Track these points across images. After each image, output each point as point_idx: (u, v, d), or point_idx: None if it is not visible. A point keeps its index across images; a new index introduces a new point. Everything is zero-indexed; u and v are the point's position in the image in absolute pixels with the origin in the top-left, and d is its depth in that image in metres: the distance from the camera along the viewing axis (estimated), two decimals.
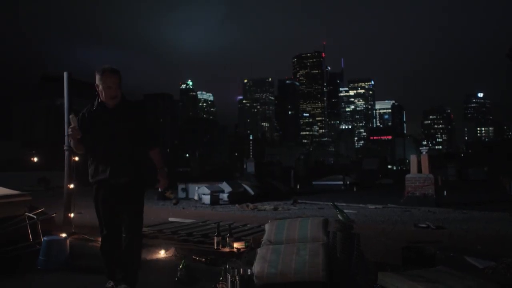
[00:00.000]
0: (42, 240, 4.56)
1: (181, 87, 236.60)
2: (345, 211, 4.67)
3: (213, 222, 7.22)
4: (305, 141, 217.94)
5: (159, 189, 3.26)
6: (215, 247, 5.15)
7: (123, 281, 3.30)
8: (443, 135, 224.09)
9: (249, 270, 3.40)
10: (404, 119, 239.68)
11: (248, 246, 4.93)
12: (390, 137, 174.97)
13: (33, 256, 4.48)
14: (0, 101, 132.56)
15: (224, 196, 13.77)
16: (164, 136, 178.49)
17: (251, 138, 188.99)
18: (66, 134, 7.19)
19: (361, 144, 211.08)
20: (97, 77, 3.15)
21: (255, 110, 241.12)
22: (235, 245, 5.11)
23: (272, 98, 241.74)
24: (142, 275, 4.17)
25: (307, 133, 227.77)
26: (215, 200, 13.07)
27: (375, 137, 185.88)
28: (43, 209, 5.65)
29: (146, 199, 14.69)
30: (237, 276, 3.23)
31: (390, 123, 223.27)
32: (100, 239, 5.10)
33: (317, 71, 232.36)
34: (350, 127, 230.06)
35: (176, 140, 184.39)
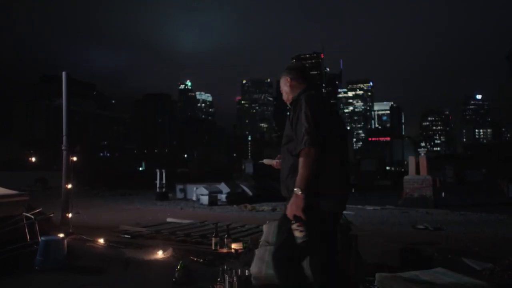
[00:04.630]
0: (40, 240, 4.55)
1: (180, 87, 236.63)
2: (343, 212, 4.67)
3: (211, 223, 7.21)
4: None
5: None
6: (213, 248, 5.15)
7: None
8: (442, 137, 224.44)
9: (246, 271, 3.40)
10: (403, 121, 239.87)
11: (246, 247, 4.93)
12: (388, 139, 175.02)
13: (31, 256, 4.46)
14: (0, 100, 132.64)
15: (222, 196, 13.78)
16: (162, 137, 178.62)
17: (249, 138, 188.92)
18: (64, 134, 7.20)
19: (359, 146, 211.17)
20: None
21: (254, 110, 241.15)
22: (233, 246, 5.10)
23: (271, 99, 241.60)
24: (139, 275, 4.17)
25: None
26: (213, 201, 13.06)
27: (373, 138, 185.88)
28: (41, 209, 5.62)
29: (144, 199, 14.52)
30: (234, 277, 3.23)
31: (388, 125, 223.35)
32: (99, 240, 5.07)
33: (315, 72, 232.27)
34: (348, 128, 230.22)
35: (174, 140, 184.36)
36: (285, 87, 2.62)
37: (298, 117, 2.31)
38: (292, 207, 2.20)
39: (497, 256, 4.49)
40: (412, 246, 4.87)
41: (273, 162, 2.84)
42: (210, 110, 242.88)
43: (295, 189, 2.20)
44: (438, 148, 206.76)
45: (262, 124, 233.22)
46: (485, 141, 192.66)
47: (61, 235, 5.12)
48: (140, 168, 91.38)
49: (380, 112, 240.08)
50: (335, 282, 2.42)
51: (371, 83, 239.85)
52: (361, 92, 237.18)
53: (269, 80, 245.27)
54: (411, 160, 13.55)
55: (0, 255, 4.38)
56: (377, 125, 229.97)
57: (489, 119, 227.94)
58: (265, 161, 2.98)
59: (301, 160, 2.22)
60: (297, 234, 2.19)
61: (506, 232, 7.25)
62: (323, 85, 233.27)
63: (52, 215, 5.92)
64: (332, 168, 2.31)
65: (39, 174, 23.83)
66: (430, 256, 4.30)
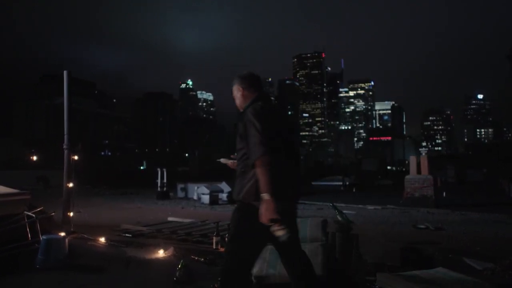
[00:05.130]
0: (41, 239, 4.55)
1: (181, 86, 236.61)
2: (344, 212, 4.68)
3: (212, 222, 7.21)
4: (305, 141, 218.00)
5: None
6: (214, 247, 5.15)
7: None
8: (443, 136, 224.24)
9: None
10: (404, 120, 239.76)
11: None
12: (389, 138, 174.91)
13: (32, 255, 4.45)
14: (0, 100, 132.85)
15: (223, 196, 13.78)
16: (163, 136, 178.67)
17: None
18: (65, 133, 7.21)
19: (360, 145, 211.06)
20: None
21: None
22: None
23: (272, 98, 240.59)
24: (140, 274, 4.18)
25: (307, 133, 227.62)
26: (214, 200, 13.07)
27: (374, 138, 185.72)
28: (42, 207, 5.62)
29: (145, 198, 14.50)
30: None
31: (389, 124, 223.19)
32: (100, 238, 5.08)
33: (317, 72, 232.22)
34: (349, 127, 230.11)
35: (175, 139, 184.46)
36: (238, 94, 2.71)
37: (247, 129, 2.38)
38: (266, 213, 2.23)
39: (498, 256, 4.49)
40: (413, 245, 4.86)
41: (229, 162, 2.89)
42: (211, 109, 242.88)
43: (262, 194, 2.24)
44: (439, 148, 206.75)
45: None
46: (486, 141, 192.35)
47: (62, 234, 5.13)
48: (141, 167, 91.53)
49: (381, 112, 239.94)
50: (307, 277, 2.52)
51: (372, 83, 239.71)
52: (362, 91, 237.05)
53: (270, 79, 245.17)
54: (412, 160, 13.56)
55: (1, 254, 4.38)
56: (378, 125, 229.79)
57: (490, 118, 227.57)
58: (222, 160, 3.02)
59: (258, 169, 2.27)
60: (280, 233, 2.23)
61: (507, 232, 7.24)
62: (325, 84, 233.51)
63: (53, 213, 5.92)
64: (281, 170, 2.36)
65: (40, 173, 23.87)
66: (431, 255, 4.29)
